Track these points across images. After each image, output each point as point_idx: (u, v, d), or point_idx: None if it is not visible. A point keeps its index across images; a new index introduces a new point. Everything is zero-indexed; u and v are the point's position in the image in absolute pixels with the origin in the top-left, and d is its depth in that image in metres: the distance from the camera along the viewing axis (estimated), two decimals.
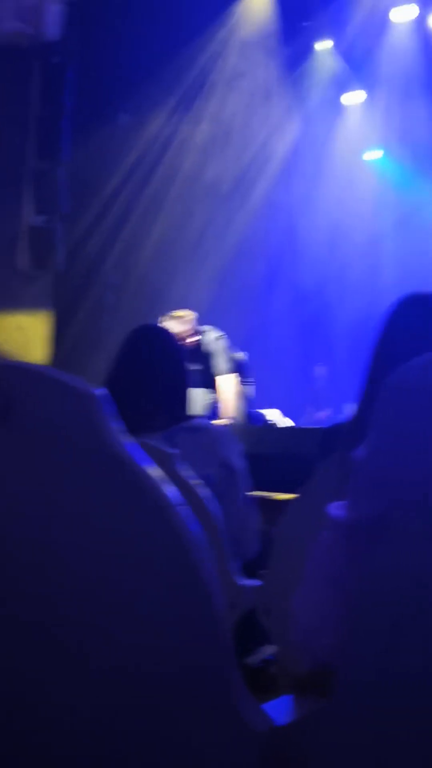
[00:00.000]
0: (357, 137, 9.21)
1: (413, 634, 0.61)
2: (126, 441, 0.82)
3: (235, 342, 5.76)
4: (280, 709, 0.99)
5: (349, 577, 0.73)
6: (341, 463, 1.40)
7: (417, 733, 0.58)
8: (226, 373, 5.31)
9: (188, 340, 5.05)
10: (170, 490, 0.83)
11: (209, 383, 5.23)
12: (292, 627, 0.82)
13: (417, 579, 0.63)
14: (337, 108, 9.22)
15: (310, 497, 1.46)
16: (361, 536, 0.73)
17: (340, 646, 0.70)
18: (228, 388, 5.27)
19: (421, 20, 8.27)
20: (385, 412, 0.75)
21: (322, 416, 8.95)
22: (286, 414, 8.41)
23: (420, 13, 8.21)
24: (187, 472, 1.67)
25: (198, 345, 5.20)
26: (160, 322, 4.68)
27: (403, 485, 0.68)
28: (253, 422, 5.46)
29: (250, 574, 2.01)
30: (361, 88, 9.01)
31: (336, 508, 0.78)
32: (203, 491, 1.71)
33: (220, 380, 5.25)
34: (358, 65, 8.76)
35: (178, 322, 5.04)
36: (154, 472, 0.82)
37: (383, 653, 0.63)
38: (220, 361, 5.26)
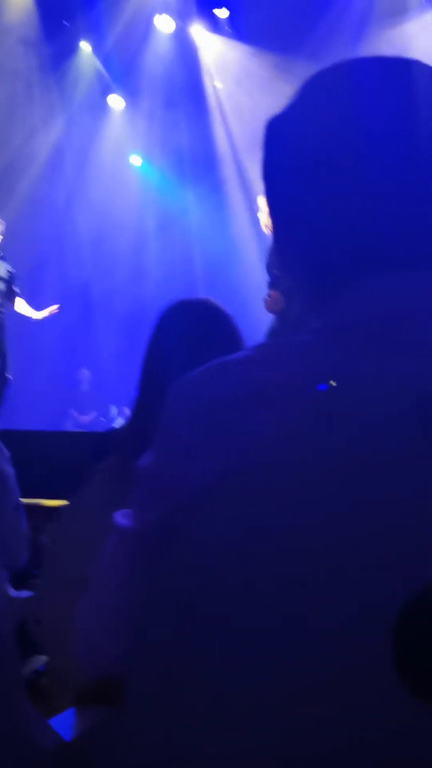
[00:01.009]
0: (122, 141, 9.29)
1: (199, 641, 0.63)
2: None
3: None
4: (64, 723, 0.96)
5: (136, 585, 0.73)
6: (117, 469, 1.40)
7: (208, 738, 0.60)
8: None
9: None
10: None
11: None
12: (75, 637, 0.81)
13: (202, 586, 0.65)
14: (102, 110, 9.24)
15: (84, 504, 1.45)
16: (148, 544, 0.73)
17: (128, 655, 0.70)
18: None
19: (182, 30, 8.51)
20: (167, 421, 0.76)
21: (86, 420, 8.91)
22: (49, 418, 8.27)
23: (181, 24, 8.45)
24: None
25: None
26: None
27: (185, 494, 0.70)
28: None
29: (18, 584, 1.95)
30: (123, 93, 9.10)
31: (122, 516, 0.78)
32: None
33: None
34: (121, 70, 8.84)
35: None
36: None
37: (171, 660, 0.64)
38: None
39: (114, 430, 1.65)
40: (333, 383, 0.67)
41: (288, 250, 0.82)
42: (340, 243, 0.76)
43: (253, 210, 8.79)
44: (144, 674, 0.66)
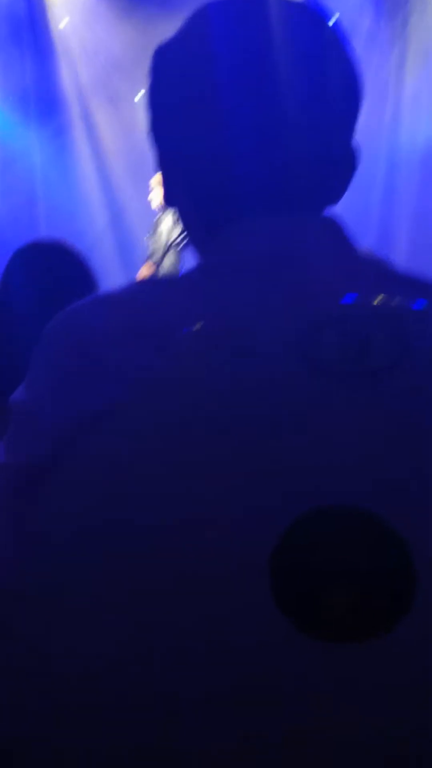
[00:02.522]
0: None
1: (79, 575, 0.63)
2: None
3: None
4: None
5: (15, 521, 0.70)
6: None
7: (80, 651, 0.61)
8: None
9: None
10: None
11: None
12: None
13: (86, 520, 0.65)
14: None
15: None
16: (27, 480, 0.70)
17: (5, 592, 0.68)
18: None
19: None
20: (45, 352, 0.73)
21: None
22: None
23: None
24: None
25: None
26: None
27: (66, 429, 0.68)
28: None
29: None
30: None
31: None
32: None
33: None
34: None
35: None
36: None
37: (54, 593, 0.64)
38: None
39: None
40: (199, 324, 0.67)
41: (174, 182, 0.81)
42: (225, 180, 0.76)
43: (98, 156, 8.62)
44: (23, 607, 0.65)
